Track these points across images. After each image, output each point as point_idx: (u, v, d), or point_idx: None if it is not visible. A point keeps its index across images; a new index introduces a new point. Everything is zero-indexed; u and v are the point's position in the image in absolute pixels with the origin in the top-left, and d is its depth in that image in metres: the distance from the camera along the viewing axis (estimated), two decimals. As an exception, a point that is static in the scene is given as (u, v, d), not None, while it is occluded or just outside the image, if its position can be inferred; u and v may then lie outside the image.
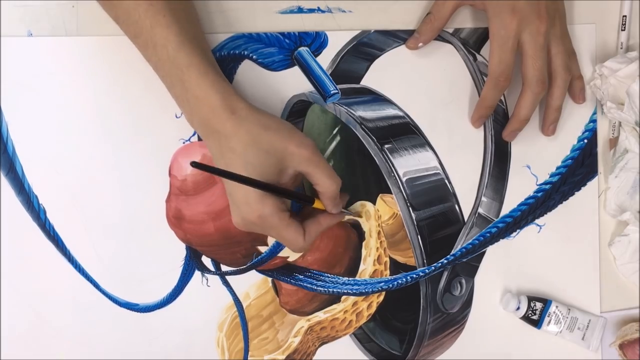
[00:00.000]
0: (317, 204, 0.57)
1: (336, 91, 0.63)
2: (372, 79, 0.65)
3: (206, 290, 0.62)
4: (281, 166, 0.54)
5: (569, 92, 0.67)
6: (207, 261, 0.63)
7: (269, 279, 0.64)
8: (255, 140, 0.52)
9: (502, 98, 0.67)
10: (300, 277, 0.64)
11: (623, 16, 0.69)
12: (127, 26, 0.55)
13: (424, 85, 0.66)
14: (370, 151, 0.64)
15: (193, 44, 0.53)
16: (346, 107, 0.64)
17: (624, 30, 0.69)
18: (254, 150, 0.52)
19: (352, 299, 0.65)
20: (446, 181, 0.66)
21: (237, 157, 0.52)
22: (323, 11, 0.64)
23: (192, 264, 0.62)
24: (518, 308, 0.66)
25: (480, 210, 0.66)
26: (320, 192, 0.56)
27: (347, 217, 0.61)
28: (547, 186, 0.68)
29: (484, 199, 0.66)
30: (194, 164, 0.49)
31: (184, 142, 0.62)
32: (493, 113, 0.66)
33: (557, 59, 0.63)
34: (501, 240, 0.67)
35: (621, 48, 0.69)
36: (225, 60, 0.62)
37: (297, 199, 0.56)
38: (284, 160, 0.53)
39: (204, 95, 0.53)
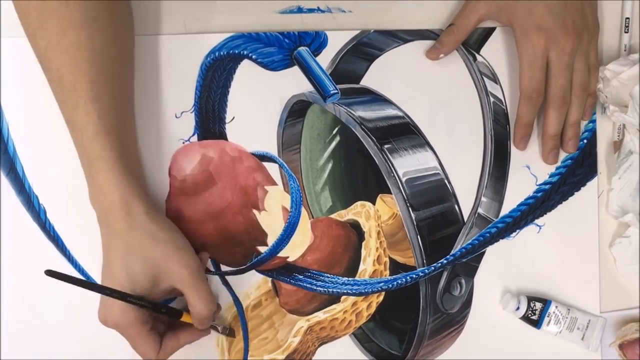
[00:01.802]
0: (185, 317, 0.57)
1: (336, 91, 0.63)
2: (372, 79, 0.65)
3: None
4: (158, 279, 0.54)
5: None
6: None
7: (269, 279, 0.64)
8: (140, 248, 0.53)
9: (502, 99, 0.67)
10: (300, 277, 0.64)
11: (626, 18, 0.69)
12: (55, 96, 0.54)
13: (424, 85, 0.66)
14: (370, 151, 0.64)
15: (109, 136, 0.53)
16: (346, 107, 0.64)
17: (627, 32, 0.69)
18: (135, 257, 0.53)
19: (352, 299, 0.65)
20: (446, 181, 0.66)
21: (119, 259, 0.53)
22: (323, 11, 0.64)
23: (191, 264, 0.62)
24: (518, 308, 0.66)
25: (479, 210, 0.66)
26: (192, 314, 0.56)
27: (215, 330, 0.61)
28: (547, 186, 0.68)
29: (483, 199, 0.66)
30: (48, 273, 0.51)
31: (183, 142, 0.62)
32: (493, 113, 0.66)
33: (576, 76, 0.64)
34: (501, 240, 0.67)
35: (625, 50, 0.69)
36: (225, 60, 0.62)
37: (164, 313, 0.56)
38: (161, 274, 0.54)
39: (106, 190, 0.53)
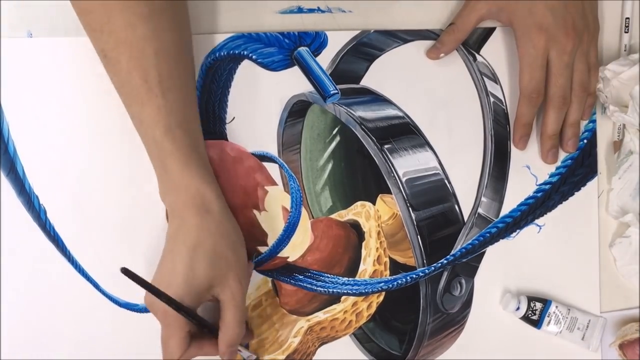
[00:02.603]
0: None
1: (336, 91, 0.63)
2: (372, 79, 0.65)
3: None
4: (213, 283, 0.54)
5: None
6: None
7: (269, 280, 0.64)
8: (211, 245, 0.53)
9: (502, 99, 0.67)
10: (300, 277, 0.64)
11: (626, 18, 0.69)
12: (119, 92, 0.54)
13: (424, 85, 0.66)
14: (370, 151, 0.64)
15: (181, 129, 0.53)
16: (346, 107, 0.64)
17: (627, 32, 0.69)
18: (204, 253, 0.53)
19: (352, 299, 0.65)
20: (446, 181, 0.66)
21: (186, 251, 0.52)
22: (323, 11, 0.64)
23: (192, 264, 0.62)
24: (518, 308, 0.66)
25: (480, 210, 0.66)
26: (222, 332, 0.55)
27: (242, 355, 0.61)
28: (547, 186, 0.68)
29: (483, 199, 0.67)
30: (124, 271, 0.50)
31: (184, 143, 0.62)
32: (493, 113, 0.66)
33: (576, 76, 0.64)
34: (501, 240, 0.67)
35: (625, 50, 0.69)
36: (225, 60, 0.62)
37: (207, 329, 0.55)
38: (219, 279, 0.54)
39: (183, 185, 0.53)
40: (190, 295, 0.53)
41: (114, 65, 0.53)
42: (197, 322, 0.54)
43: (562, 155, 0.68)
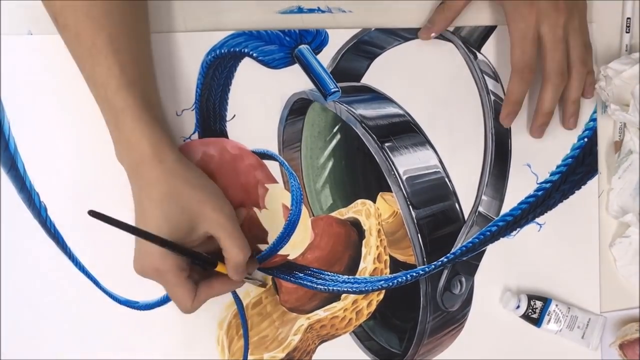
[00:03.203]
0: (220, 268, 0.56)
1: (336, 89, 0.63)
2: (373, 77, 0.65)
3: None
4: (193, 225, 0.54)
5: None
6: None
7: (269, 277, 0.64)
8: (175, 193, 0.53)
9: (503, 96, 0.67)
10: (300, 275, 0.64)
11: (627, 18, 0.69)
12: (72, 54, 0.55)
13: (425, 83, 0.66)
14: (371, 149, 0.64)
15: (133, 87, 0.53)
16: (346, 105, 0.64)
17: (629, 32, 0.69)
18: (171, 203, 0.53)
19: (352, 297, 0.65)
20: (446, 179, 0.66)
21: (154, 207, 0.53)
22: (323, 11, 0.64)
23: (192, 261, 0.62)
24: (518, 307, 0.66)
25: (480, 208, 0.66)
26: (227, 260, 0.55)
27: (250, 282, 0.61)
28: (548, 185, 0.68)
29: (484, 197, 0.67)
30: (91, 213, 0.49)
31: (184, 140, 0.62)
32: (494, 112, 0.66)
33: (574, 52, 0.63)
34: (501, 238, 0.67)
35: (626, 50, 0.69)
36: (226, 57, 0.62)
37: (200, 261, 0.55)
38: (197, 219, 0.54)
39: (135, 141, 0.53)
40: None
41: (63, 28, 0.54)
42: (187, 254, 0.54)
43: (564, 152, 0.68)
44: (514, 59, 0.62)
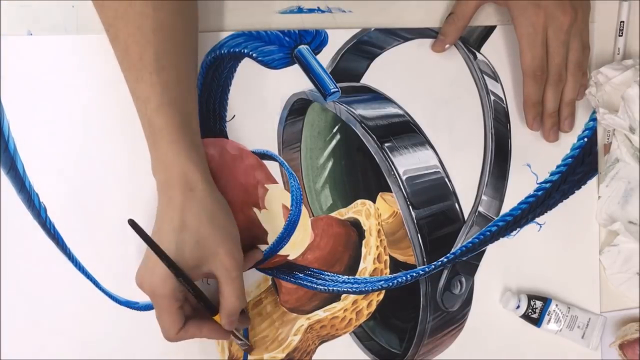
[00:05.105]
0: (218, 318, 0.56)
1: (336, 89, 0.63)
2: (372, 77, 0.65)
3: (206, 288, 0.62)
4: (202, 261, 0.54)
5: None
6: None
7: (269, 278, 0.64)
8: (194, 226, 0.53)
9: (503, 97, 0.67)
10: (300, 275, 0.64)
11: (620, 22, 0.69)
12: (119, 64, 0.55)
13: (424, 83, 0.66)
14: (370, 149, 0.64)
15: (173, 107, 0.53)
16: (346, 106, 0.64)
17: (622, 36, 0.69)
18: (188, 235, 0.53)
19: (352, 297, 0.65)
20: (446, 180, 0.66)
21: (171, 231, 0.53)
22: (323, 11, 0.64)
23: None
24: (518, 306, 0.66)
25: (480, 208, 0.66)
26: (222, 305, 0.55)
27: (236, 341, 0.61)
28: (548, 185, 0.68)
29: (484, 197, 0.67)
30: (131, 222, 0.50)
31: (184, 141, 0.62)
32: (494, 112, 0.66)
33: (572, 55, 0.64)
34: (501, 238, 0.67)
35: (618, 54, 0.69)
36: (225, 58, 0.62)
37: (203, 303, 0.55)
38: (207, 257, 0.54)
39: (169, 162, 0.53)
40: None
41: (113, 38, 0.54)
42: (197, 294, 0.54)
43: (564, 152, 0.68)
44: (525, 64, 0.63)
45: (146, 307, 0.61)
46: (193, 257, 0.53)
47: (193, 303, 0.57)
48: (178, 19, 0.54)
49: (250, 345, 0.63)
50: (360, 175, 0.65)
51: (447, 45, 0.65)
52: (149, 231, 0.54)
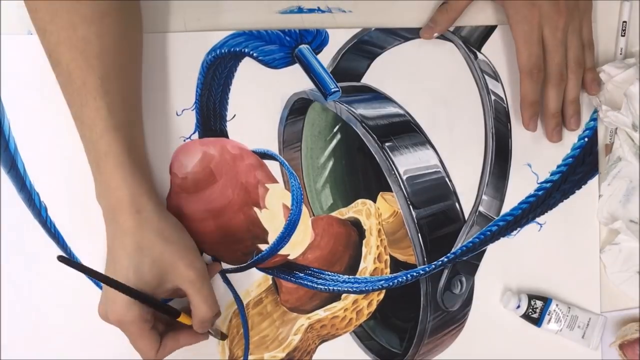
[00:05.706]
0: (182, 318, 0.56)
1: (337, 89, 0.63)
2: (373, 77, 0.65)
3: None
4: (163, 278, 0.54)
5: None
6: (207, 259, 0.63)
7: (270, 277, 0.64)
8: (148, 246, 0.53)
9: (503, 96, 0.67)
10: (301, 275, 0.64)
11: (623, 22, 0.69)
12: (62, 91, 0.54)
13: (425, 83, 0.66)
14: (371, 149, 0.64)
15: (118, 131, 0.53)
16: (347, 105, 0.64)
17: (624, 36, 0.69)
18: (143, 256, 0.53)
19: (353, 297, 0.65)
20: (447, 179, 0.66)
21: (126, 256, 0.53)
22: (323, 11, 0.64)
23: (192, 261, 0.62)
24: (518, 306, 0.66)
25: (480, 208, 0.66)
26: (194, 314, 0.56)
27: (212, 335, 0.61)
28: (548, 184, 0.68)
29: (484, 197, 0.67)
30: (61, 259, 0.49)
31: (184, 140, 0.62)
32: (494, 112, 0.66)
33: (571, 53, 0.64)
34: (501, 238, 0.67)
35: (620, 54, 0.69)
36: (226, 57, 0.62)
37: (163, 311, 0.55)
38: (167, 274, 0.54)
39: (114, 186, 0.53)
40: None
41: (56, 65, 0.53)
42: (153, 304, 0.54)
43: (564, 152, 0.68)
44: (522, 62, 0.63)
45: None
46: (153, 276, 0.53)
47: (163, 319, 0.57)
48: (122, 45, 0.54)
49: (222, 332, 0.62)
50: (360, 174, 0.65)
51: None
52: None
